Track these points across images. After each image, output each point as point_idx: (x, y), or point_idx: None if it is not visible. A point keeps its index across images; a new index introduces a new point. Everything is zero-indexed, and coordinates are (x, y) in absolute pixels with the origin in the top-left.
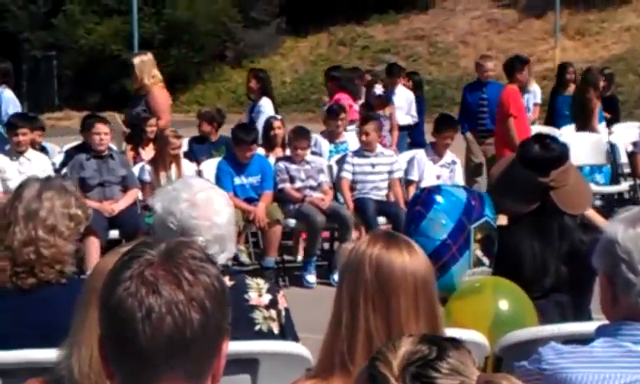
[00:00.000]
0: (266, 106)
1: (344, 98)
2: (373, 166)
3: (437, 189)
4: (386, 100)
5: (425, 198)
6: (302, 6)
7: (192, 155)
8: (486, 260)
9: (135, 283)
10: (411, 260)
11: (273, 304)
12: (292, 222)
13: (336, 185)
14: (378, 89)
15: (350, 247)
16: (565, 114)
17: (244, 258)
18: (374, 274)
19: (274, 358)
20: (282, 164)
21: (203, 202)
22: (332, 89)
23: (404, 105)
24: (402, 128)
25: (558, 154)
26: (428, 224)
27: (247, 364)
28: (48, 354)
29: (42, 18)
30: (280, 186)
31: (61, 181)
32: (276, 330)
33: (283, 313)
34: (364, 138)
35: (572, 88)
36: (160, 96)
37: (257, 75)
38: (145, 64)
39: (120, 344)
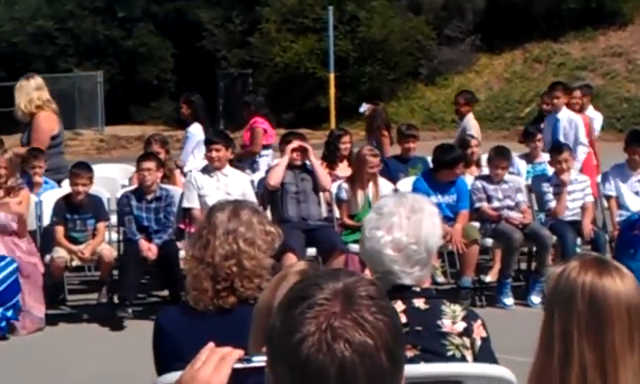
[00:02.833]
0: (196, 131)
1: (259, 122)
2: (569, 193)
3: None
4: None
5: None
6: (497, 22)
7: (388, 173)
8: None
9: (322, 337)
10: (624, 287)
11: (467, 332)
12: (489, 241)
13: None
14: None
15: (558, 272)
16: None
17: (439, 276)
18: (588, 304)
19: (477, 381)
20: (479, 183)
21: (413, 220)
22: (247, 114)
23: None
24: None
25: None
26: None
27: None
28: None
29: (238, 37)
30: (477, 205)
31: (251, 202)
32: (469, 359)
33: (478, 342)
34: (558, 166)
35: None
36: (42, 122)
37: (188, 100)
38: (22, 89)
39: None
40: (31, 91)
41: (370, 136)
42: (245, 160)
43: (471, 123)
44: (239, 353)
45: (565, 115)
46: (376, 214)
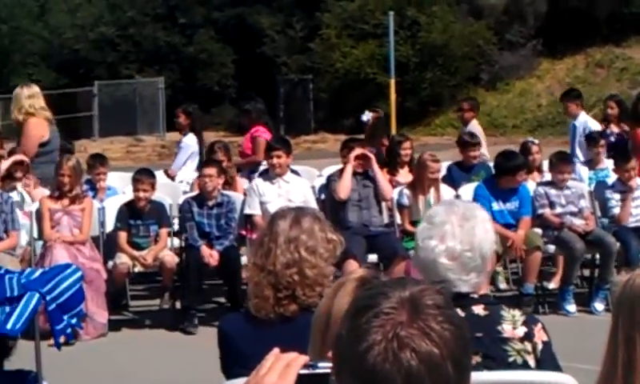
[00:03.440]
0: (190, 142)
1: (261, 131)
2: (633, 200)
3: None
4: None
5: None
6: (559, 27)
7: (450, 179)
8: None
9: (389, 347)
10: None
11: (528, 337)
12: (551, 248)
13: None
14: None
15: (625, 280)
16: None
17: (502, 282)
18: None
19: None
20: (542, 189)
21: (466, 228)
22: (247, 122)
23: None
24: None
25: None
26: None
27: None
28: None
29: (299, 42)
30: (540, 211)
31: (313, 209)
32: (532, 363)
33: (540, 346)
34: (625, 174)
35: None
36: (32, 128)
37: (186, 111)
38: (15, 97)
39: None
40: (22, 99)
41: (370, 144)
42: (244, 169)
43: (476, 129)
44: (304, 359)
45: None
46: (428, 223)
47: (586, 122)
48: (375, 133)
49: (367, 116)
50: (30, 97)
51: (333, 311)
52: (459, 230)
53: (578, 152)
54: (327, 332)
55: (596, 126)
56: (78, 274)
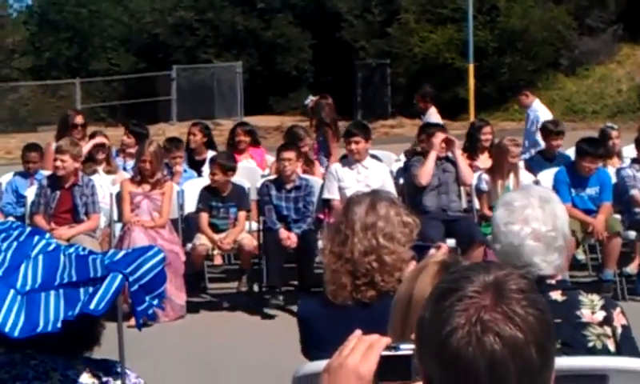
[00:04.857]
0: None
1: (252, 151)
2: None
3: None
4: None
5: None
6: None
7: (530, 165)
8: None
9: (472, 330)
10: None
11: (607, 321)
12: (632, 234)
13: None
14: None
15: None
16: None
17: (580, 254)
18: None
19: (624, 375)
20: (630, 171)
21: (547, 209)
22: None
23: None
24: None
25: None
26: None
27: (595, 380)
28: None
29: (377, 27)
30: (631, 192)
31: (387, 192)
32: (612, 348)
33: (619, 330)
34: None
35: None
36: None
37: (202, 130)
38: None
39: None
40: None
41: (317, 131)
42: None
43: (435, 118)
44: (387, 340)
45: None
46: (506, 209)
47: None
48: (318, 118)
49: (308, 100)
50: None
51: (414, 295)
52: (540, 212)
53: None
54: (408, 316)
55: None
56: (161, 256)
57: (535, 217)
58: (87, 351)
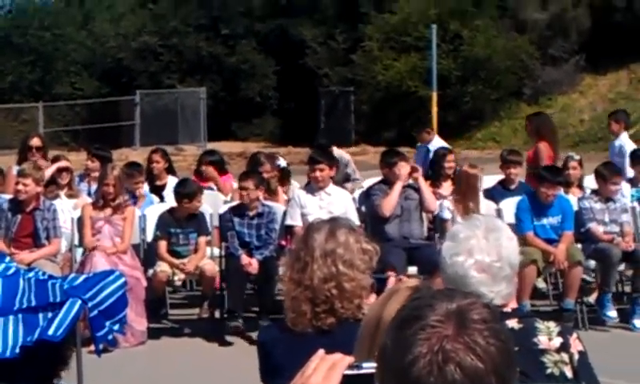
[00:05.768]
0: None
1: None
2: None
3: None
4: None
5: None
6: (602, 42)
7: (492, 194)
8: None
9: (434, 360)
10: None
11: (564, 347)
12: (592, 263)
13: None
14: None
15: None
16: None
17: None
18: None
19: None
20: (587, 203)
21: (492, 240)
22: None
23: None
24: None
25: None
26: None
27: None
28: None
29: (341, 54)
30: (588, 225)
31: (347, 219)
32: (569, 374)
33: (576, 356)
34: None
35: None
36: None
37: (163, 156)
38: None
39: None
40: None
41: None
42: None
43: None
44: (349, 359)
45: None
46: (452, 241)
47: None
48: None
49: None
50: None
51: (383, 318)
52: (485, 243)
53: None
54: (375, 340)
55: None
56: (122, 280)
57: (479, 248)
58: (54, 376)
